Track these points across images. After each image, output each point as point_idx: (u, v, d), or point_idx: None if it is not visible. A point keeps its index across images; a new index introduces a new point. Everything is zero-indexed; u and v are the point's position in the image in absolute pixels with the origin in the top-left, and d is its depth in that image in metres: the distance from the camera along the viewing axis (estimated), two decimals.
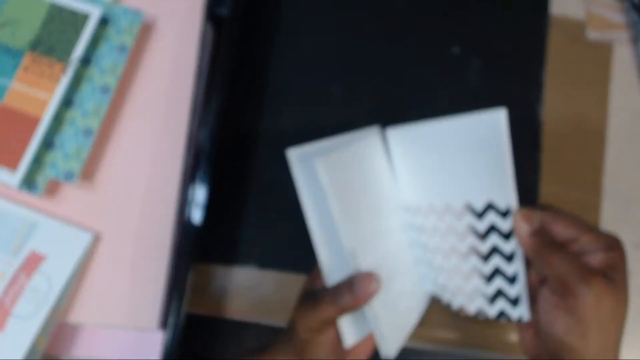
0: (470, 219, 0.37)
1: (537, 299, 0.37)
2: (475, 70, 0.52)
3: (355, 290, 0.35)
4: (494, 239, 0.36)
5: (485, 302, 0.37)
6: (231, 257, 0.48)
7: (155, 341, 0.43)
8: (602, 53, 0.53)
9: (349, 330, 0.37)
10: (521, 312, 0.36)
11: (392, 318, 0.37)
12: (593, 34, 0.53)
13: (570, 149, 0.51)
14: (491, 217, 0.36)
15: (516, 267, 0.36)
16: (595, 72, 0.52)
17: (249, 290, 0.48)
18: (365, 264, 0.36)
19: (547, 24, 0.53)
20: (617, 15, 0.54)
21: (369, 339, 0.40)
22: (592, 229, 0.36)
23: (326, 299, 0.36)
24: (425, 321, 0.47)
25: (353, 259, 0.35)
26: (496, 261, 0.36)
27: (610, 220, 0.49)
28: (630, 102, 0.52)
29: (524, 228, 0.35)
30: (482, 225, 0.36)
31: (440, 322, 0.48)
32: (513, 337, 0.48)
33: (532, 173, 0.50)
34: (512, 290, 0.36)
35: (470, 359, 0.49)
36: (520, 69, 0.52)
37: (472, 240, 0.37)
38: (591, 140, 0.51)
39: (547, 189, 0.50)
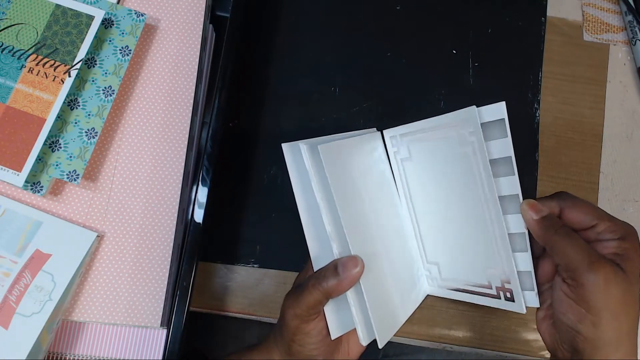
0: (477, 208, 0.37)
1: (552, 288, 0.37)
2: (474, 72, 0.52)
3: (339, 273, 0.36)
4: (501, 227, 0.37)
5: (492, 291, 0.38)
6: (232, 256, 0.48)
7: (158, 339, 0.44)
8: (598, 54, 0.53)
9: (335, 321, 0.38)
10: (530, 299, 0.36)
11: (379, 307, 0.38)
12: (589, 36, 0.54)
13: (567, 149, 0.51)
14: (496, 207, 0.36)
15: (524, 256, 0.36)
16: (592, 74, 0.53)
17: (250, 288, 0.48)
18: (351, 249, 0.36)
19: (544, 26, 0.54)
20: (613, 17, 0.54)
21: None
22: (609, 217, 0.36)
23: (311, 283, 0.37)
24: (431, 320, 0.48)
25: (337, 243, 0.36)
26: (503, 250, 0.37)
27: None
28: (626, 103, 0.52)
29: (532, 216, 0.36)
30: (488, 214, 0.37)
31: (446, 321, 0.48)
32: (520, 336, 0.48)
33: (530, 173, 0.50)
34: (521, 279, 0.37)
35: (475, 358, 0.50)
36: (518, 70, 0.52)
37: (479, 228, 0.38)
38: (587, 141, 0.52)
39: (544, 189, 0.50)
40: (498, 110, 0.35)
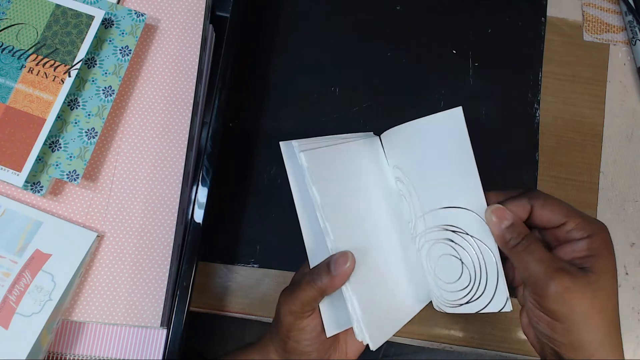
0: (446, 218, 0.37)
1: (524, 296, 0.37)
2: (474, 72, 0.52)
3: (331, 270, 0.36)
4: (468, 237, 0.37)
5: (464, 299, 0.38)
6: (232, 256, 0.48)
7: (158, 339, 0.44)
8: (598, 54, 0.53)
9: (330, 319, 0.38)
10: (501, 303, 0.36)
11: (373, 306, 0.38)
12: (589, 36, 0.54)
13: (567, 149, 0.51)
14: (464, 215, 0.36)
15: (493, 260, 0.36)
16: (592, 74, 0.53)
17: (250, 288, 0.48)
18: (337, 245, 0.36)
19: (544, 26, 0.54)
20: (613, 17, 0.55)
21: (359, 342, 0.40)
22: (579, 214, 0.35)
23: (305, 280, 0.37)
24: (429, 319, 0.48)
25: (331, 240, 0.36)
26: (473, 257, 0.37)
27: (606, 219, 0.50)
28: (626, 102, 0.53)
29: (495, 225, 0.36)
30: (457, 223, 0.37)
31: (446, 321, 0.48)
32: (520, 336, 0.48)
33: (530, 173, 0.50)
34: (491, 285, 0.37)
35: (475, 358, 0.50)
36: (518, 70, 0.53)
37: (448, 238, 0.38)
38: (588, 141, 0.52)
39: (544, 189, 0.50)
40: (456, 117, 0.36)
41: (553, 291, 0.33)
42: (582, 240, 0.35)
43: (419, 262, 0.41)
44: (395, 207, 0.42)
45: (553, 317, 0.34)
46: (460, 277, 0.37)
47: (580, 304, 0.33)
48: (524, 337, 0.48)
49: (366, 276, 0.37)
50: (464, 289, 0.37)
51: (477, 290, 0.37)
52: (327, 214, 0.36)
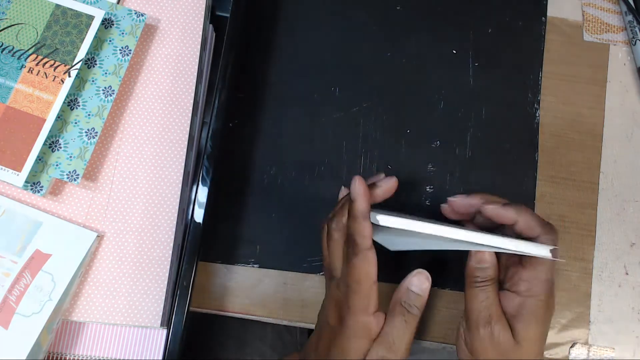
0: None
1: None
2: (474, 72, 0.52)
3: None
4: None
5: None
6: (232, 256, 0.48)
7: (158, 339, 0.44)
8: (599, 54, 0.53)
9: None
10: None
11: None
12: (589, 36, 0.54)
13: (567, 149, 0.51)
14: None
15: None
16: (592, 74, 0.53)
17: (250, 288, 0.48)
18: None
19: (545, 26, 0.54)
20: (613, 17, 0.55)
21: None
22: (539, 266, 0.38)
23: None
24: (429, 319, 0.48)
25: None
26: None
27: (606, 219, 0.50)
28: (626, 103, 0.52)
29: (474, 262, 0.38)
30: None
31: (446, 321, 0.48)
32: None
33: (529, 173, 0.50)
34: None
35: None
36: (518, 70, 0.52)
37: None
38: (588, 141, 0.52)
39: (544, 189, 0.50)
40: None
41: (481, 333, 0.37)
42: (520, 297, 0.38)
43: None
44: None
45: (470, 351, 0.38)
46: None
47: (501, 350, 0.37)
48: None
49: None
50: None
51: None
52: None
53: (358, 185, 0.37)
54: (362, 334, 0.37)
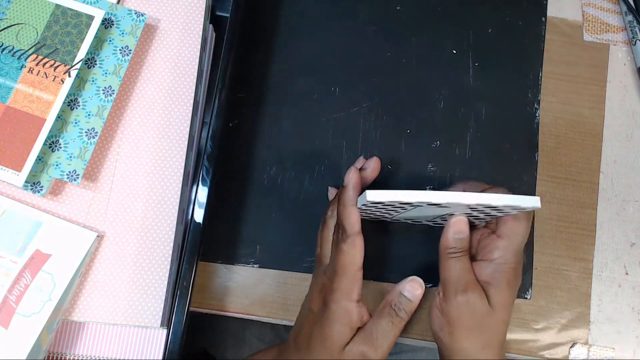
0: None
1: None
2: (474, 71, 0.52)
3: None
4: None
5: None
6: (232, 256, 0.48)
7: (158, 339, 0.44)
8: (598, 54, 0.53)
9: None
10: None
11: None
12: (589, 36, 0.54)
13: (567, 149, 0.51)
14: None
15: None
16: (592, 74, 0.53)
17: (250, 288, 0.48)
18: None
19: (544, 26, 0.54)
20: (613, 17, 0.55)
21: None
22: (514, 236, 0.40)
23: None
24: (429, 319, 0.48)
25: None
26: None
27: (606, 219, 0.50)
28: (626, 103, 0.52)
29: (450, 232, 0.39)
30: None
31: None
32: (520, 336, 0.48)
33: (529, 173, 0.50)
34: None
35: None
36: (518, 70, 0.52)
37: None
38: (587, 141, 0.52)
39: (544, 189, 0.50)
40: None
41: (459, 300, 0.38)
42: (493, 264, 0.39)
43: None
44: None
45: (446, 319, 0.39)
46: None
47: (472, 317, 0.38)
48: (523, 337, 0.48)
49: None
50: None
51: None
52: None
53: (353, 175, 0.39)
54: (344, 320, 0.38)
